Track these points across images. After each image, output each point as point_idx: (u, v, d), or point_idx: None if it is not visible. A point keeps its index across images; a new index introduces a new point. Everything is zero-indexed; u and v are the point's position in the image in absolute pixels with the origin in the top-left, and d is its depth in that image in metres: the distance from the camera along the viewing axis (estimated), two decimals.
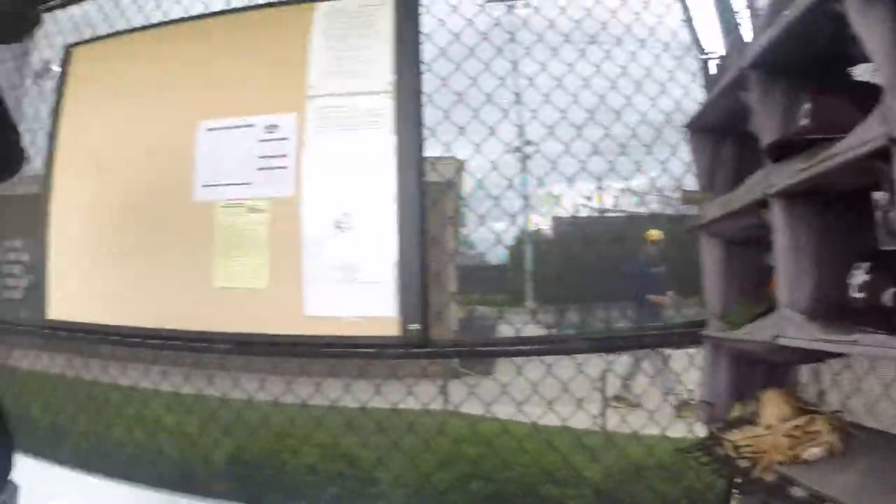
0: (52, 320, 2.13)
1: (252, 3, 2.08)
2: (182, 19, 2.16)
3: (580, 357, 1.84)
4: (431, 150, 1.82)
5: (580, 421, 1.97)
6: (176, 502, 1.86)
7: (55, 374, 2.55)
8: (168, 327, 1.89)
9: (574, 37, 2.02)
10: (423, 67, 1.80)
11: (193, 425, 2.16)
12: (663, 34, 1.99)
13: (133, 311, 1.96)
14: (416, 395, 1.93)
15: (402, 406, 1.94)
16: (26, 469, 0.99)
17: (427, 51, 1.84)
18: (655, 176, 2.23)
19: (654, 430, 1.95)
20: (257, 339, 1.79)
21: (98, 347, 2.44)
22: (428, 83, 1.83)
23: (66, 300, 2.13)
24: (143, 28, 2.23)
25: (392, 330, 1.68)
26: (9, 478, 0.93)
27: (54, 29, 2.46)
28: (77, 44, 2.34)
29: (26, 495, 0.98)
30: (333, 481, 2.29)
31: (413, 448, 2.03)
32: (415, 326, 1.67)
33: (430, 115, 1.82)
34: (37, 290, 2.20)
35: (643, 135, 2.07)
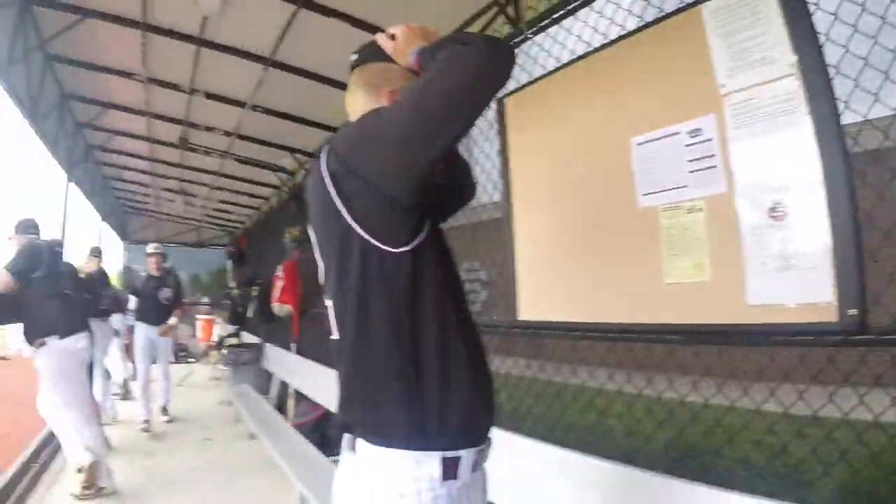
0: (521, 321, 2.63)
1: (642, 24, 2.23)
2: (586, 54, 2.43)
3: None
4: (850, 120, 1.70)
5: None
6: (619, 471, 1.95)
7: (514, 375, 3.12)
8: (624, 321, 2.16)
9: None
10: (820, 39, 1.72)
11: (637, 412, 2.44)
12: None
13: (592, 309, 2.29)
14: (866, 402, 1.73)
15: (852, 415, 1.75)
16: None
17: (820, 20, 1.73)
18: None
19: None
20: (703, 329, 1.95)
21: (552, 351, 2.92)
22: (831, 54, 1.72)
23: (532, 304, 2.58)
24: (556, 70, 2.56)
25: (830, 316, 1.64)
26: (489, 435, 1.25)
27: None
28: (507, 95, 2.83)
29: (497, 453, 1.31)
30: (764, 478, 2.32)
31: (855, 454, 1.88)
32: (853, 312, 1.60)
33: (840, 85, 1.70)
34: (492, 302, 2.73)
35: None
